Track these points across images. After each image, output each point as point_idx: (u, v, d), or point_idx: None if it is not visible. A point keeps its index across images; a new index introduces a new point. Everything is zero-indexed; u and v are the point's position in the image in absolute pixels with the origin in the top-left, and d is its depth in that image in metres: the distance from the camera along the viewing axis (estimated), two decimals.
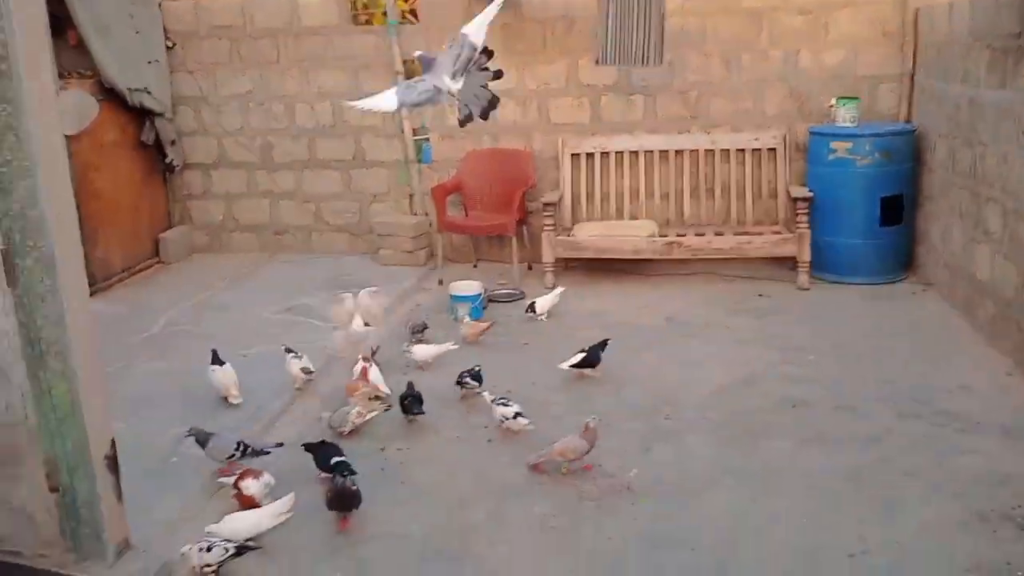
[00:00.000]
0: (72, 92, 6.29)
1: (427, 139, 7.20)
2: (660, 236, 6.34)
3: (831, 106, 6.33)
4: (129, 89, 6.79)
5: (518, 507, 3.54)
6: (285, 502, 3.36)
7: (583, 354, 4.69)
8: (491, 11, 3.79)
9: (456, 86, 3.75)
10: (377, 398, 4.26)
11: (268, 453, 3.77)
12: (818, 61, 6.55)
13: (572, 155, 6.82)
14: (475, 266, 7.10)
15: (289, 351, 4.73)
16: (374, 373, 4.51)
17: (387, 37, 7.00)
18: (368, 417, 4.20)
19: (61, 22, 6.45)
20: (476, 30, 3.74)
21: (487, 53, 3.86)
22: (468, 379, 4.49)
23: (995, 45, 4.80)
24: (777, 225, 6.63)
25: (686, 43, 6.62)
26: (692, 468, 3.79)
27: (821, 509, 3.43)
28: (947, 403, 4.26)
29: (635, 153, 6.79)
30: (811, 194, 6.13)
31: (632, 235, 6.33)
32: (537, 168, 6.91)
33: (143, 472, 3.80)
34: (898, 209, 6.11)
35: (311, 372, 4.70)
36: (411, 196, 7.32)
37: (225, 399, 4.55)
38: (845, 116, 6.17)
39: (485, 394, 4.27)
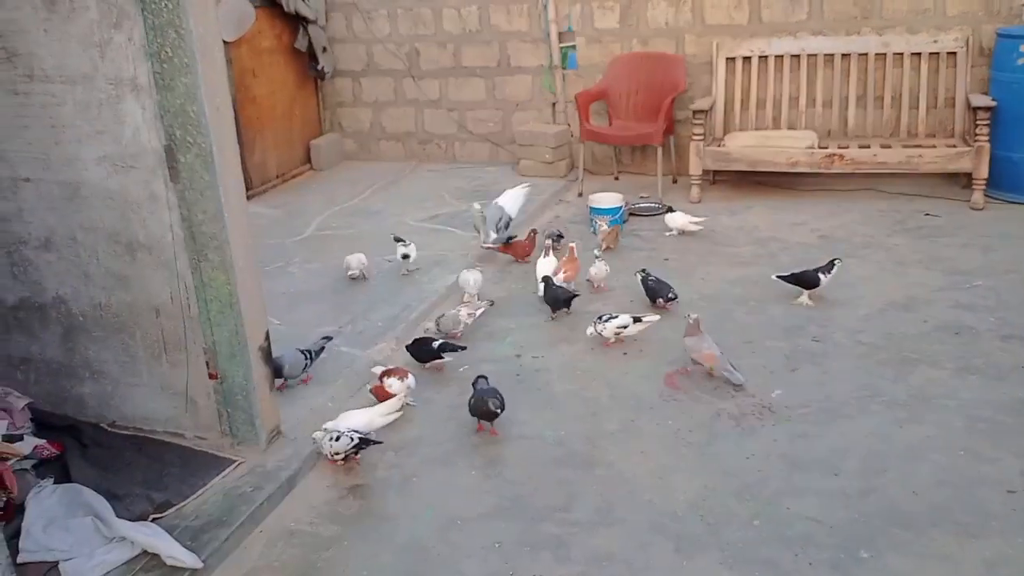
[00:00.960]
0: None
1: (573, 46, 6.99)
2: (820, 148, 5.94)
3: (1022, 4, 5.65)
4: None
5: (652, 420, 3.50)
6: (393, 403, 3.48)
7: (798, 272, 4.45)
8: (520, 194, 5.44)
9: (492, 239, 5.17)
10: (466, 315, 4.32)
11: (327, 343, 3.97)
12: None
13: (727, 59, 6.44)
14: (616, 178, 6.93)
15: (398, 240, 5.04)
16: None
17: None
18: (479, 314, 4.35)
19: None
20: (511, 204, 5.35)
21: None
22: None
23: None
24: (952, 138, 6.07)
25: None
26: (839, 391, 3.61)
27: (980, 441, 3.20)
28: None
29: (796, 57, 6.33)
30: (994, 103, 5.55)
31: (789, 146, 5.96)
32: (688, 74, 6.58)
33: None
34: None
35: (408, 257, 5.00)
36: (553, 105, 7.18)
37: (363, 275, 4.99)
38: None
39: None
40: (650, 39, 6.73)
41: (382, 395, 3.61)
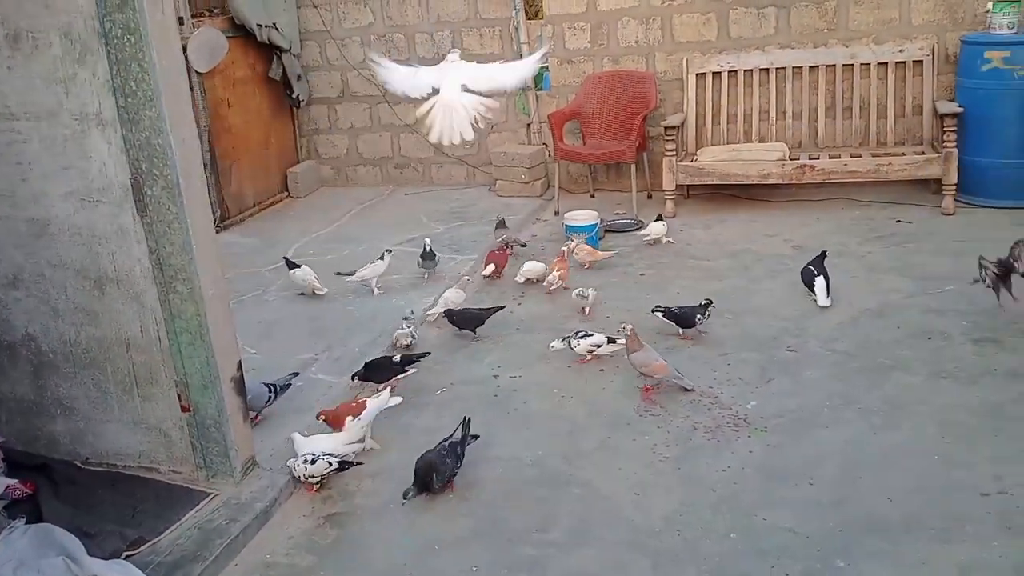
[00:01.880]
0: (204, 30, 6.50)
1: (546, 66, 7.05)
2: (791, 159, 6.00)
3: (987, 11, 5.75)
4: (258, 25, 6.96)
5: (629, 436, 3.51)
6: (355, 433, 3.44)
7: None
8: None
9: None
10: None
11: (290, 386, 3.88)
12: None
13: (697, 75, 6.52)
14: (592, 196, 6.97)
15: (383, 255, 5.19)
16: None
17: None
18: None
19: None
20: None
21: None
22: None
23: None
24: (921, 145, 6.14)
25: None
26: (813, 400, 3.63)
27: (953, 446, 3.22)
28: None
29: (765, 71, 6.41)
30: (961, 109, 5.63)
31: (760, 159, 6.02)
32: (660, 90, 6.65)
33: None
34: None
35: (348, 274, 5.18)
36: (528, 125, 7.23)
37: (314, 293, 5.16)
38: (1003, 22, 5.60)
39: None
40: (621, 57, 6.80)
41: (337, 423, 3.52)
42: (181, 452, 3.28)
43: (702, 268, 5.21)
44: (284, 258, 5.39)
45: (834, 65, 6.26)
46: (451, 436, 3.30)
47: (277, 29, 7.15)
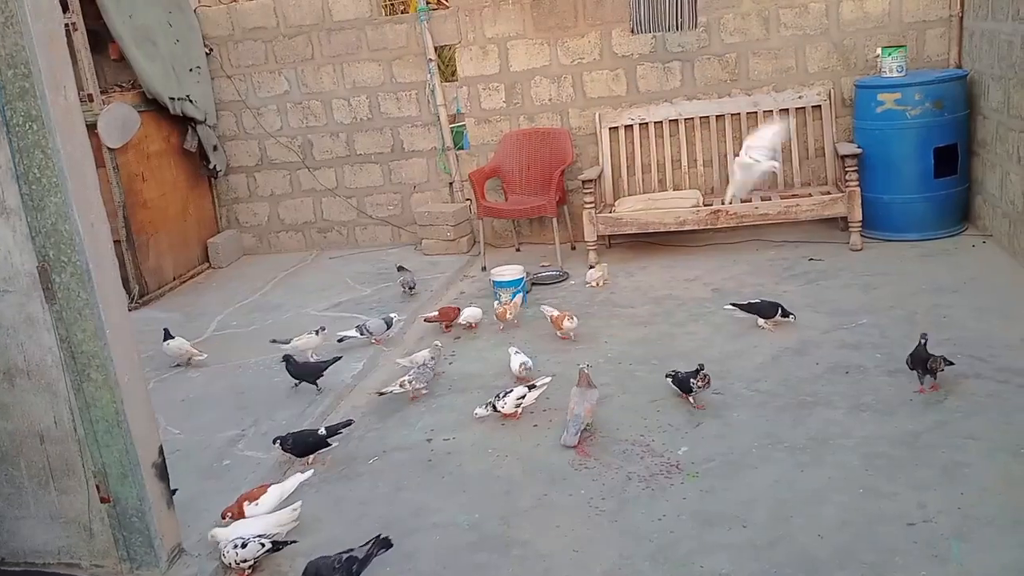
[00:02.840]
0: (114, 106, 6.42)
1: (464, 125, 7.16)
2: (704, 205, 6.19)
3: (876, 56, 6.09)
4: (171, 99, 6.90)
5: (565, 491, 3.51)
6: (287, 513, 3.37)
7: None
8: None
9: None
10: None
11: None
12: (861, 10, 6.31)
13: (610, 129, 6.71)
14: (518, 250, 7.06)
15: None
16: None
17: (418, 25, 6.96)
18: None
19: (101, 37, 6.58)
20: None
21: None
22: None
23: None
24: (826, 185, 6.42)
25: (721, 4, 6.45)
26: (742, 442, 3.70)
27: (877, 478, 3.31)
28: (1011, 359, 4.07)
29: (675, 122, 6.64)
30: (860, 150, 5.91)
31: (675, 207, 6.20)
32: (575, 145, 6.82)
33: (199, 474, 3.90)
34: (952, 160, 5.86)
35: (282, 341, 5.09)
36: (451, 184, 7.31)
37: (188, 361, 5.24)
38: (892, 66, 5.92)
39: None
40: (536, 115, 6.96)
41: (239, 514, 3.42)
42: (103, 545, 3.14)
43: (627, 316, 5.30)
44: (165, 329, 5.32)
45: (739, 113, 6.53)
46: (353, 551, 3.00)
47: (191, 101, 7.10)
